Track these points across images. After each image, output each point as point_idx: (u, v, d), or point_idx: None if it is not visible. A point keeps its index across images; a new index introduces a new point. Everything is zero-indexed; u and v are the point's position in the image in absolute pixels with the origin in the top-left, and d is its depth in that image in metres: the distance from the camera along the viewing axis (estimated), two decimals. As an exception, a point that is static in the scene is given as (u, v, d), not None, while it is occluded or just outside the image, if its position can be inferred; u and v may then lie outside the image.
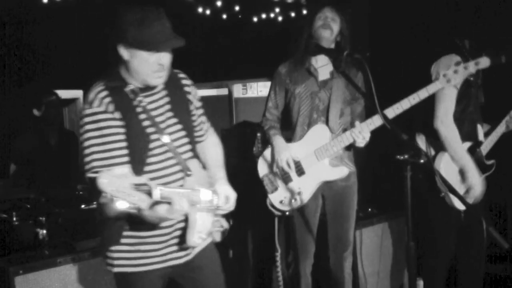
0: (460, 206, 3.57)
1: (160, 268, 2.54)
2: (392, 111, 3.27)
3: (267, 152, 3.58)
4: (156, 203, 2.20)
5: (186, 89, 2.64)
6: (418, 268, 3.00)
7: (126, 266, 2.52)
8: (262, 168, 3.56)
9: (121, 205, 2.06)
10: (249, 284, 4.35)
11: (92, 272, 3.40)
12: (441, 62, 3.53)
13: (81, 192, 4.28)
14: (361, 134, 3.32)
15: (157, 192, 2.16)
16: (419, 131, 3.72)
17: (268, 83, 3.79)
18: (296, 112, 3.54)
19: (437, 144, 3.60)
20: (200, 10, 5.98)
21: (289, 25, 6.19)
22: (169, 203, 2.23)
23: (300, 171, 3.47)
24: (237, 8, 6.18)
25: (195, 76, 2.74)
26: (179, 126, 2.55)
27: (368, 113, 3.49)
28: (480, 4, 3.81)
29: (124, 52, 2.38)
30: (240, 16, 6.29)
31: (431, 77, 3.57)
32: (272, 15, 6.40)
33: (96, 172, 2.32)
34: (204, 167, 2.72)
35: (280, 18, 6.46)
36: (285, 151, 3.45)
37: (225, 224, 2.67)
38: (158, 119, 2.48)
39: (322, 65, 3.55)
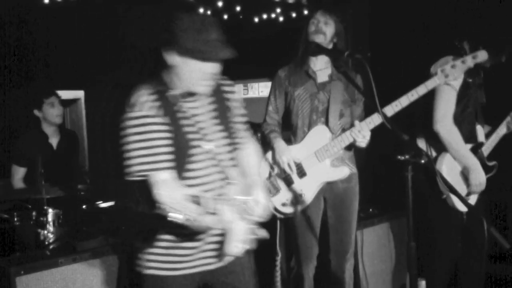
0: (461, 207, 3.57)
1: (192, 273, 2.52)
2: (391, 109, 3.28)
3: (268, 155, 3.58)
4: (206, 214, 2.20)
5: (230, 96, 2.61)
6: (420, 269, 3.00)
7: (158, 269, 2.49)
8: (264, 171, 3.56)
9: (177, 217, 2.07)
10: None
11: (94, 272, 3.40)
12: (438, 63, 3.53)
13: (82, 193, 4.28)
14: (361, 133, 3.33)
15: (210, 204, 2.17)
16: (419, 134, 3.72)
17: (269, 84, 3.80)
18: (296, 114, 3.54)
19: (438, 146, 3.60)
20: (201, 10, 5.99)
21: (290, 26, 6.19)
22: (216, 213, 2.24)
23: (301, 173, 3.47)
24: (238, 8, 6.18)
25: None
26: (222, 134, 2.53)
27: (368, 114, 3.50)
28: (480, 5, 3.81)
29: (174, 58, 2.35)
30: (241, 17, 6.29)
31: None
32: (273, 15, 6.41)
33: (141, 176, 2.33)
34: (242, 174, 2.70)
35: (281, 19, 6.46)
36: (286, 153, 3.46)
37: (260, 232, 2.63)
38: (200, 125, 2.46)
39: (321, 68, 3.56)
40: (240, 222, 2.48)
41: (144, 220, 2.37)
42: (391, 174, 2.88)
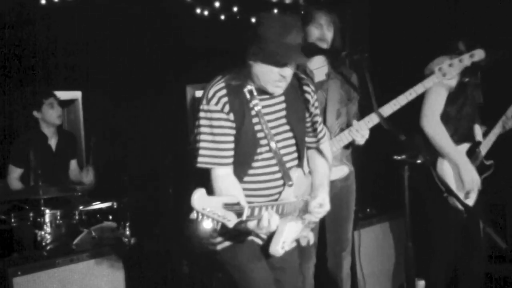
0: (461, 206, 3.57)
1: (255, 242, 2.54)
2: (389, 108, 3.28)
3: None
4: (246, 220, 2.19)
5: (306, 96, 2.60)
6: (418, 269, 3.00)
7: (226, 241, 2.52)
8: None
9: (207, 225, 2.06)
10: None
11: (91, 273, 3.40)
12: (434, 62, 3.54)
13: (79, 193, 4.28)
14: (359, 132, 3.32)
15: (248, 212, 2.14)
16: (418, 133, 3.72)
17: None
18: None
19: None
20: (198, 10, 5.98)
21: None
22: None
23: None
24: (235, 8, 6.18)
25: (194, 77, 2.74)
26: (290, 134, 2.53)
27: (366, 113, 3.49)
28: (480, 5, 3.81)
29: (249, 57, 2.38)
30: (238, 17, 6.29)
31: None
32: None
33: (203, 167, 2.40)
34: (310, 172, 2.70)
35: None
36: None
37: (310, 236, 2.65)
38: (270, 125, 2.47)
39: (317, 67, 3.55)
40: (292, 222, 2.49)
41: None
42: (389, 174, 2.88)
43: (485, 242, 3.70)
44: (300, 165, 2.59)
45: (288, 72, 2.38)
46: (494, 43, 3.62)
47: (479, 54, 3.24)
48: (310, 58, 3.46)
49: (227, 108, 2.38)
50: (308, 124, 2.66)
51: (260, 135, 2.45)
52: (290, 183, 2.49)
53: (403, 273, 4.41)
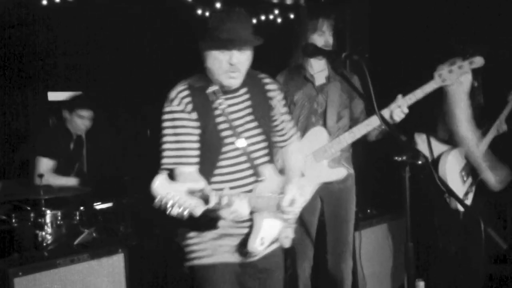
0: (460, 207, 3.58)
1: (228, 263, 2.54)
2: (388, 111, 3.27)
3: None
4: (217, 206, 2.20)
5: (270, 94, 2.62)
6: (418, 269, 3.00)
7: (197, 259, 2.53)
8: None
9: (174, 211, 2.06)
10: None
11: (92, 273, 3.40)
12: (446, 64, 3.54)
13: (80, 194, 4.28)
14: (401, 108, 3.27)
15: (214, 198, 2.16)
16: (421, 131, 3.73)
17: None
18: (296, 117, 3.54)
19: (439, 145, 3.62)
20: (199, 11, 5.98)
21: (288, 27, 6.19)
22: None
23: None
24: (236, 9, 6.18)
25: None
26: (257, 131, 2.54)
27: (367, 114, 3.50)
28: (479, 5, 3.82)
29: (203, 52, 2.43)
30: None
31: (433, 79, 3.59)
32: (271, 16, 6.40)
33: (167, 169, 2.40)
34: (282, 171, 2.71)
35: (279, 20, 6.45)
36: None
37: (289, 233, 2.63)
38: (236, 123, 2.49)
39: (318, 71, 3.56)
40: (270, 219, 2.49)
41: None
42: (389, 175, 2.88)
43: (486, 243, 3.70)
44: (271, 161, 2.60)
45: (235, 59, 2.38)
46: (494, 43, 3.65)
47: (478, 62, 3.26)
48: (309, 58, 3.49)
49: (189, 107, 2.42)
50: (277, 123, 2.67)
51: (226, 133, 2.47)
52: (261, 178, 2.49)
53: (403, 273, 4.42)
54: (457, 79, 3.30)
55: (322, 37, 3.46)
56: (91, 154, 4.71)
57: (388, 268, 4.40)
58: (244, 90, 2.55)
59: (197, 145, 2.44)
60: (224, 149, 2.47)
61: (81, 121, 4.58)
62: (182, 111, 2.42)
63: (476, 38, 3.66)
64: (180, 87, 2.46)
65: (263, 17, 6.42)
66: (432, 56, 3.60)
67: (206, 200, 2.14)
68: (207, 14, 6.03)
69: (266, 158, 2.57)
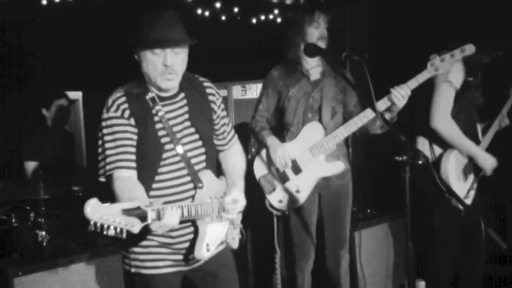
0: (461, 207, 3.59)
1: (173, 272, 2.53)
2: (383, 103, 3.28)
3: (263, 153, 3.58)
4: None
5: (210, 98, 2.60)
6: (418, 269, 3.00)
7: (141, 268, 2.51)
8: (259, 170, 3.56)
9: (110, 232, 2.02)
10: (248, 286, 4.35)
11: (91, 273, 3.40)
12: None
13: (80, 194, 4.29)
14: (404, 90, 3.26)
15: (151, 214, 2.14)
16: (421, 133, 3.73)
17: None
18: (292, 113, 3.56)
19: (441, 144, 3.62)
20: (199, 11, 5.98)
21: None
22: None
23: (296, 169, 3.47)
24: (236, 9, 6.18)
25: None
26: (196, 136, 2.52)
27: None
28: (479, 5, 3.82)
29: (136, 56, 2.43)
30: (239, 18, 6.29)
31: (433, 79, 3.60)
32: (271, 16, 6.40)
33: (105, 175, 2.39)
34: (223, 175, 2.71)
35: (279, 20, 6.46)
36: (280, 149, 3.45)
37: (239, 235, 2.65)
38: (175, 129, 2.46)
39: (313, 66, 3.58)
40: (214, 224, 2.48)
41: None
42: (389, 175, 2.88)
43: (486, 243, 3.70)
44: (208, 166, 2.57)
45: (169, 60, 2.37)
46: (492, 43, 3.65)
47: (469, 49, 3.26)
48: (306, 57, 3.49)
49: (127, 113, 2.40)
50: (217, 127, 2.65)
51: (164, 140, 2.44)
52: (200, 185, 2.47)
53: (403, 273, 4.43)
54: (450, 68, 3.31)
55: (318, 29, 3.49)
56: (91, 154, 4.70)
57: (388, 268, 4.40)
58: (181, 95, 2.52)
59: (135, 150, 2.41)
60: (164, 155, 2.43)
61: (61, 112, 4.64)
62: (120, 117, 2.39)
63: (475, 38, 3.67)
64: (117, 94, 2.44)
65: (263, 17, 6.42)
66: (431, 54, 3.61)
67: (143, 217, 2.11)
68: (206, 14, 6.03)
69: (204, 164, 2.54)
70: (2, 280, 3.11)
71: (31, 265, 3.22)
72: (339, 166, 3.55)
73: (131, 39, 2.41)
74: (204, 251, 2.45)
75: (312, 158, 3.46)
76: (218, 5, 5.88)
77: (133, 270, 2.53)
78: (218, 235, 2.52)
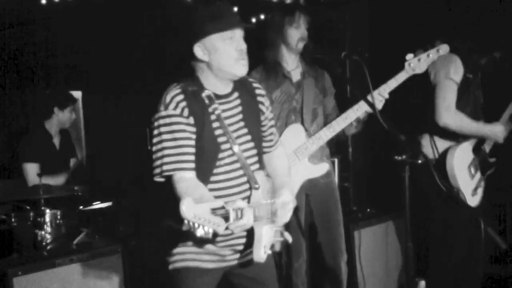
0: (471, 202, 3.61)
1: (215, 268, 2.50)
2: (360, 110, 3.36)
3: None
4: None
5: (260, 98, 2.57)
6: (419, 269, 3.00)
7: (183, 261, 2.47)
8: None
9: (199, 232, 2.02)
10: None
11: (91, 273, 3.40)
12: (438, 61, 3.56)
13: (79, 193, 4.28)
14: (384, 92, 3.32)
15: (233, 214, 2.12)
16: (423, 132, 3.73)
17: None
18: (275, 116, 3.53)
19: (443, 142, 3.63)
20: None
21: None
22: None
23: None
24: (235, 9, 6.18)
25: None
26: (248, 137, 2.49)
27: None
28: (479, 6, 3.82)
29: (202, 51, 2.37)
30: (238, 17, 6.29)
31: (429, 76, 3.61)
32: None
33: (164, 176, 2.34)
34: (268, 176, 2.67)
35: (279, 19, 6.45)
36: None
37: (287, 236, 2.58)
38: (231, 128, 2.43)
39: (293, 68, 3.56)
40: (267, 226, 2.44)
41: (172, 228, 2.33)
42: (389, 174, 2.89)
43: (486, 242, 3.71)
44: (261, 167, 2.56)
45: (242, 44, 2.37)
46: (492, 45, 3.67)
47: (444, 49, 3.38)
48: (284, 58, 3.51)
49: (186, 112, 2.34)
50: (265, 128, 2.62)
51: (221, 139, 2.40)
52: (257, 186, 2.44)
53: (403, 273, 4.43)
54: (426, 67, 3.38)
55: (299, 30, 3.46)
56: (90, 154, 4.71)
57: (387, 267, 4.40)
58: (236, 94, 2.49)
59: (194, 150, 2.36)
60: (220, 155, 2.40)
61: (70, 115, 4.74)
62: (179, 115, 2.34)
63: (473, 37, 3.68)
64: (175, 91, 2.38)
65: (262, 17, 6.42)
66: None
67: (226, 217, 2.11)
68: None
69: (258, 165, 2.53)
70: (1, 280, 3.11)
71: (31, 264, 3.22)
72: (324, 167, 3.55)
73: (192, 32, 2.36)
74: (262, 253, 2.41)
75: (297, 161, 3.45)
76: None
77: (170, 266, 2.50)
78: (270, 237, 2.47)
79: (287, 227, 3.58)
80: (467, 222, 3.63)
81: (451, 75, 3.56)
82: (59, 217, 3.81)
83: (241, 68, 2.39)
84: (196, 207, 2.01)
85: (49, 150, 4.64)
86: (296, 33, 3.46)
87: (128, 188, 4.74)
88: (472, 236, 3.67)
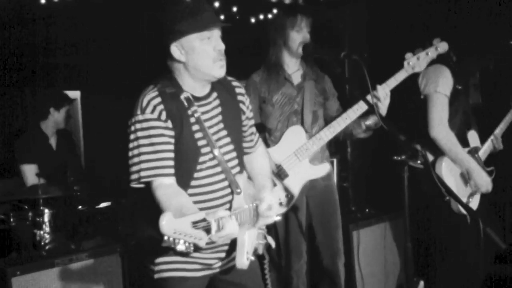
0: (463, 210, 3.59)
1: (200, 276, 2.43)
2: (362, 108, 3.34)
3: None
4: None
5: (240, 98, 2.49)
6: (418, 269, 3.00)
7: (167, 271, 2.39)
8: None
9: (180, 248, 1.94)
10: None
11: (90, 272, 3.40)
12: (428, 72, 3.58)
13: (78, 193, 4.28)
14: (384, 90, 3.29)
15: (215, 226, 2.04)
16: (415, 137, 3.73)
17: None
18: (275, 119, 3.52)
19: (434, 152, 3.62)
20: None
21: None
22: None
23: (283, 174, 3.45)
24: (234, 9, 6.17)
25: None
26: (228, 139, 2.41)
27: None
28: (478, 7, 3.83)
29: (179, 51, 2.29)
30: (237, 17, 6.28)
31: (420, 87, 3.62)
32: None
33: (143, 182, 2.26)
34: (249, 177, 2.61)
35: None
36: None
37: (270, 240, 2.56)
38: (210, 131, 2.35)
39: (294, 71, 3.56)
40: (250, 231, 2.39)
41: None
42: (388, 174, 2.89)
43: (485, 243, 3.71)
44: (242, 170, 2.50)
45: (221, 45, 2.28)
46: (491, 47, 3.68)
47: (443, 47, 3.39)
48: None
49: (164, 115, 2.25)
50: (245, 128, 2.55)
51: (201, 142, 2.32)
52: (238, 190, 2.37)
53: (402, 273, 4.43)
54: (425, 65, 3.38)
55: (300, 34, 3.45)
56: (89, 154, 4.71)
57: (386, 267, 4.40)
58: (214, 95, 2.41)
59: (173, 154, 2.27)
60: (201, 159, 2.31)
61: (65, 115, 4.74)
62: (157, 119, 2.24)
63: (473, 37, 3.68)
64: (151, 94, 2.28)
65: (261, 16, 6.42)
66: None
67: (208, 229, 2.03)
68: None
69: (239, 168, 2.46)
70: (0, 280, 3.11)
71: (30, 264, 3.21)
72: (325, 168, 3.55)
73: (168, 32, 2.28)
74: (245, 260, 2.35)
75: (298, 162, 3.45)
76: (217, 4, 5.87)
77: (156, 276, 2.40)
78: (253, 241, 2.42)
79: (287, 228, 3.62)
80: (466, 222, 3.63)
81: (439, 89, 3.56)
82: (58, 217, 3.81)
83: (218, 70, 2.31)
84: (176, 222, 1.92)
85: (46, 151, 4.63)
86: (298, 37, 3.45)
87: (127, 188, 4.74)
88: (471, 236, 3.67)
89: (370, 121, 3.43)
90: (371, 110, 3.21)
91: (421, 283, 3.75)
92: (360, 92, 2.91)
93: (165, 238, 1.92)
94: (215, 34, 2.30)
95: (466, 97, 3.72)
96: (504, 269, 4.62)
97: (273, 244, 2.56)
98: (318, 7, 5.59)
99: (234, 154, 2.43)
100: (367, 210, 4.47)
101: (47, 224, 3.71)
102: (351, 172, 4.82)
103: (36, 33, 5.72)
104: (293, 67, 3.57)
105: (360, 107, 3.36)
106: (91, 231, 3.91)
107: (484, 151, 3.83)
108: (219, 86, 2.43)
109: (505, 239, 4.68)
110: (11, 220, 3.85)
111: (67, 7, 5.36)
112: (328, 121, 3.56)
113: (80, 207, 4.15)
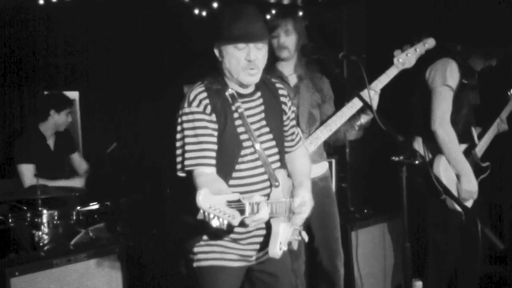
0: (460, 208, 3.59)
1: (238, 266, 2.55)
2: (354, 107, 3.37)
3: None
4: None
5: (282, 99, 2.63)
6: (417, 269, 3.00)
7: (206, 260, 2.51)
8: None
9: (214, 223, 2.06)
10: None
11: (89, 273, 3.40)
12: (436, 66, 3.58)
13: (76, 194, 4.29)
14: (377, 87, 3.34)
15: (249, 208, 2.15)
16: (416, 134, 3.73)
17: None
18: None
19: (434, 147, 3.62)
20: (196, 11, 5.97)
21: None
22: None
23: None
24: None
25: (193, 77, 2.73)
26: (270, 135, 2.54)
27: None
28: (478, 7, 3.83)
29: (219, 53, 2.45)
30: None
31: (427, 81, 3.62)
32: (268, 16, 6.41)
33: (185, 171, 2.40)
34: (289, 176, 2.70)
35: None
36: None
37: (304, 235, 2.65)
38: (253, 126, 2.49)
39: (290, 73, 3.56)
40: (285, 224, 2.49)
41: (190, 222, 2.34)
42: (386, 174, 2.89)
43: (483, 243, 3.72)
44: (282, 166, 2.60)
45: (253, 55, 2.40)
46: (490, 47, 3.68)
47: (430, 42, 3.45)
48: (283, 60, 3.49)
49: (209, 109, 2.41)
50: (286, 128, 2.68)
51: (243, 137, 2.47)
52: (277, 183, 2.49)
53: (400, 273, 4.44)
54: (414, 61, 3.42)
55: (275, 39, 3.44)
56: (88, 154, 4.71)
57: (385, 268, 4.40)
58: (258, 94, 2.56)
59: (216, 147, 2.42)
60: (242, 152, 2.46)
61: (67, 118, 4.73)
62: (202, 112, 2.40)
63: (472, 37, 3.69)
64: (198, 89, 2.45)
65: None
66: (427, 57, 3.62)
67: (241, 210, 2.14)
68: (204, 14, 6.03)
69: (279, 163, 2.58)
70: (-1, 280, 3.11)
71: (28, 265, 3.21)
72: (324, 166, 3.57)
73: (214, 34, 2.43)
74: (278, 250, 2.46)
75: None
76: (215, 5, 5.87)
77: (195, 264, 2.53)
78: (287, 235, 2.53)
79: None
80: (464, 222, 3.63)
81: (448, 82, 3.56)
82: (56, 217, 3.82)
83: (247, 78, 2.44)
84: (212, 197, 2.05)
85: (43, 151, 4.62)
86: (274, 42, 3.44)
87: (126, 188, 4.75)
88: (469, 236, 3.68)
89: (362, 120, 3.46)
90: (365, 107, 3.22)
91: (419, 283, 3.75)
92: (354, 89, 2.92)
93: (201, 211, 2.04)
94: (251, 44, 2.40)
95: (472, 92, 3.73)
96: (502, 270, 4.64)
97: (306, 238, 2.66)
98: (315, 7, 5.60)
99: (275, 150, 2.56)
100: (365, 210, 4.47)
101: (46, 224, 3.72)
102: (350, 173, 4.83)
103: (35, 33, 5.72)
104: (288, 68, 3.57)
105: (354, 104, 3.37)
106: (90, 231, 3.91)
107: (484, 142, 3.82)
108: (263, 86, 2.58)
109: (502, 239, 4.71)
110: (10, 220, 3.85)
111: (66, 7, 5.36)
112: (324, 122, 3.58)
113: (78, 207, 4.15)
